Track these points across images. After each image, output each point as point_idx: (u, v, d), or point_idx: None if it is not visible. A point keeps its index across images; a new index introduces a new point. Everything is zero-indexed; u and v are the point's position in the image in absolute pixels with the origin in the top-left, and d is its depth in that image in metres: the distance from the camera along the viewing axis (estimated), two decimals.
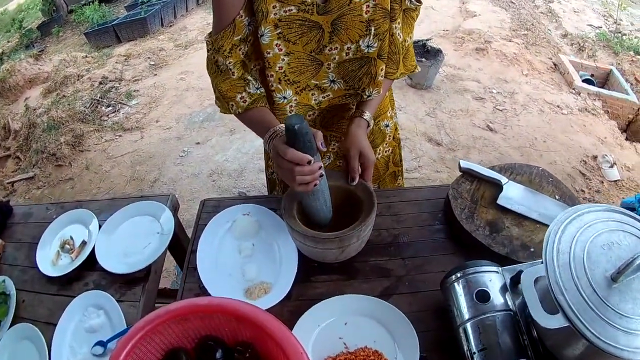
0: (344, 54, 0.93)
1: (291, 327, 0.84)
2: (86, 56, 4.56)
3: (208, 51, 0.93)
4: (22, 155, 3.08)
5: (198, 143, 3.25)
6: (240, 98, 0.94)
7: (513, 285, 0.77)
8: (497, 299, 0.74)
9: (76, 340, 0.95)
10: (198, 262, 1.00)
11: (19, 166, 3.06)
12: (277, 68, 0.92)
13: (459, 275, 0.78)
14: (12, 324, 1.00)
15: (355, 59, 0.94)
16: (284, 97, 0.97)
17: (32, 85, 4.02)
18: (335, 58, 0.94)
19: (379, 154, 1.24)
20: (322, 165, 0.80)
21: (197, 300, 0.77)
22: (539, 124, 3.16)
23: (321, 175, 0.80)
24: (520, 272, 0.75)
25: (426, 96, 3.46)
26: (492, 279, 0.76)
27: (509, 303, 0.74)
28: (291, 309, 0.90)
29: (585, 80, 3.55)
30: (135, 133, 3.41)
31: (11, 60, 4.22)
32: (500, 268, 0.79)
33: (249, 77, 0.94)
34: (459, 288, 0.77)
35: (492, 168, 1.08)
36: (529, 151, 2.92)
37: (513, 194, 1.01)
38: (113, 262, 1.06)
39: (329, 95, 1.02)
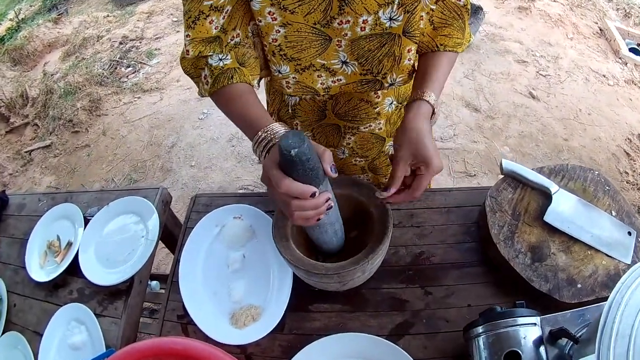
0: (359, 29, 0.70)
1: None
2: (108, 15, 4.37)
3: None
4: (40, 122, 3.04)
5: None
6: (204, 78, 0.74)
7: (551, 339, 0.59)
8: None
9: (60, 355, 0.89)
10: (180, 278, 0.88)
11: (37, 134, 3.02)
12: (270, 39, 0.72)
13: (485, 328, 0.60)
14: (4, 330, 0.97)
15: (373, 35, 0.72)
16: (279, 71, 0.78)
17: (51, 49, 3.90)
18: (347, 34, 0.71)
19: None
20: (331, 197, 0.60)
21: (162, 341, 0.68)
22: (583, 94, 2.89)
23: (329, 208, 0.60)
24: (562, 329, 0.57)
25: (465, 56, 3.18)
26: (528, 335, 0.59)
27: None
28: (283, 343, 0.77)
29: (631, 50, 3.22)
30: (154, 94, 3.28)
31: (29, 26, 4.07)
32: (539, 318, 0.60)
33: (210, 52, 0.72)
34: (483, 344, 0.60)
35: (541, 170, 0.85)
36: (572, 124, 2.68)
37: (563, 207, 0.80)
38: (96, 270, 0.97)
39: (340, 80, 0.80)
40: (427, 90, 0.72)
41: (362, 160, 1.03)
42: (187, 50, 0.71)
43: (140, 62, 3.63)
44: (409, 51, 0.75)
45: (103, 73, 3.43)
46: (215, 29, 0.69)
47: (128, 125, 3.01)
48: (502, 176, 0.87)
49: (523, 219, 0.80)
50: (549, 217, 0.79)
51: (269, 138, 0.63)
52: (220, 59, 0.72)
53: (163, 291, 0.92)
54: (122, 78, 3.47)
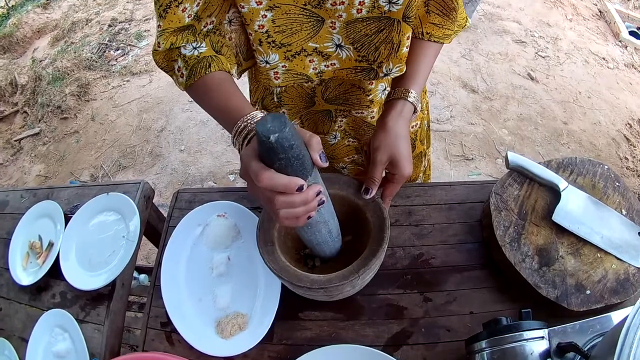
0: (355, 11, 0.64)
1: None
2: None
3: None
4: (29, 110, 2.95)
5: None
6: (177, 70, 0.67)
7: (559, 352, 0.55)
8: None
9: None
10: (162, 282, 0.83)
11: (26, 122, 2.93)
12: (256, 27, 0.65)
13: (490, 343, 0.55)
14: None
15: (371, 19, 0.65)
16: (266, 62, 0.71)
17: (40, 35, 3.77)
18: (342, 15, 0.65)
19: None
20: (323, 190, 0.51)
21: (144, 357, 0.66)
22: (583, 77, 2.83)
23: (321, 203, 0.51)
24: (572, 344, 0.53)
25: (462, 35, 3.09)
26: (535, 350, 0.54)
27: None
28: (272, 355, 0.72)
29: (631, 33, 3.16)
30: (143, 77, 3.18)
31: (18, 13, 3.94)
32: (547, 331, 0.55)
33: (183, 42, 0.66)
34: None
35: (548, 164, 0.79)
36: (572, 107, 2.62)
37: (572, 206, 0.74)
38: (77, 273, 0.93)
39: (334, 64, 0.74)
40: (411, 88, 0.70)
41: (355, 141, 0.97)
42: (159, 43, 0.64)
43: (130, 45, 3.51)
44: (408, 38, 0.69)
45: (92, 57, 3.32)
46: (189, 17, 0.63)
47: (117, 109, 2.93)
48: (508, 171, 0.80)
49: (530, 219, 0.74)
50: (557, 217, 0.73)
51: (250, 127, 0.55)
52: (195, 48, 0.65)
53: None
54: (111, 61, 3.36)
